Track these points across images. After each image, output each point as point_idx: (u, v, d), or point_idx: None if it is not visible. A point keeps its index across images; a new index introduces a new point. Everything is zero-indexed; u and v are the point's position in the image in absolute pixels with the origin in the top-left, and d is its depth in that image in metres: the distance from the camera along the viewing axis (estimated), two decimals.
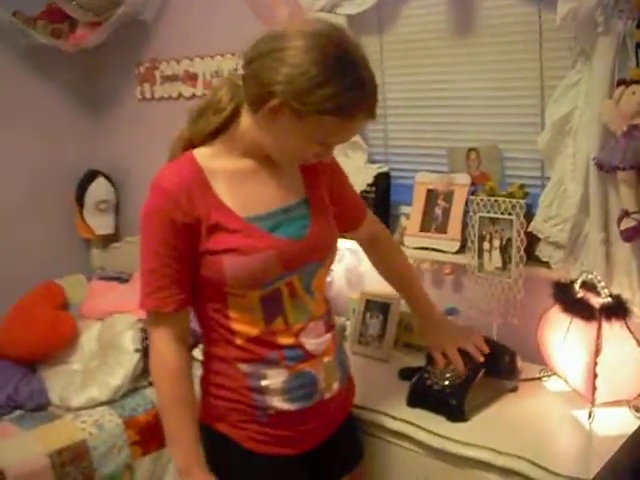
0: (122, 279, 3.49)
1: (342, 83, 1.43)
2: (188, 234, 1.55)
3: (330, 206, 1.78)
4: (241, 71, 1.55)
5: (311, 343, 1.66)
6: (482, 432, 1.85)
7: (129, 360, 2.83)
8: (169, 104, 3.55)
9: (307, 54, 1.42)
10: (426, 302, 2.05)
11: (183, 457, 1.60)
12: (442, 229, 2.46)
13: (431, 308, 2.05)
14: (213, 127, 1.63)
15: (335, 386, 1.73)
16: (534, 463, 1.69)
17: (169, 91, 3.52)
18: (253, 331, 1.62)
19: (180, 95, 3.47)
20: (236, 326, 1.62)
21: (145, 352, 2.85)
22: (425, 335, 2.08)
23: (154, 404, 2.77)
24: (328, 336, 1.71)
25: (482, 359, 1.94)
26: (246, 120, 1.58)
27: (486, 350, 1.95)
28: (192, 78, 3.38)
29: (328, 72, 1.42)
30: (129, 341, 2.89)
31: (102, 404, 2.74)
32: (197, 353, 1.96)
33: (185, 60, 3.40)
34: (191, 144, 1.65)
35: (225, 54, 3.19)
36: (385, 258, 2.05)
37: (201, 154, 1.61)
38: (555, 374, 2.11)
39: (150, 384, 2.85)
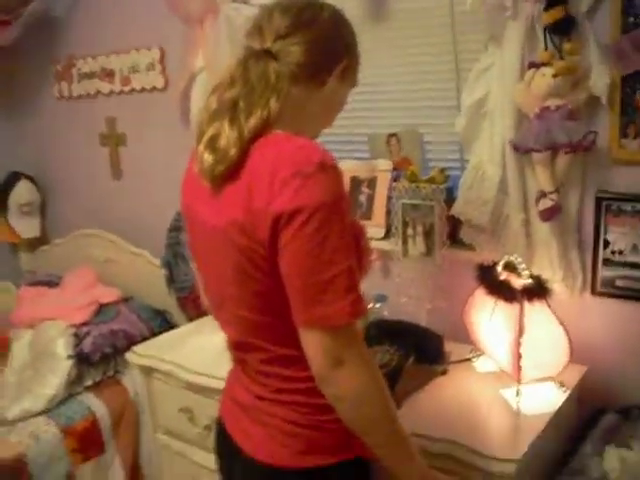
0: (52, 283, 3.43)
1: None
2: None
3: None
4: (275, 47, 1.37)
5: None
6: (415, 419, 1.86)
7: (63, 367, 2.77)
8: (87, 102, 3.50)
9: (339, 15, 1.47)
10: None
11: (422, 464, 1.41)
12: (367, 216, 2.48)
13: None
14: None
15: None
16: (468, 447, 1.72)
17: (87, 88, 3.46)
18: None
19: (98, 92, 3.41)
20: None
21: (78, 358, 2.81)
22: None
23: (91, 410, 2.75)
24: None
25: None
26: (299, 98, 1.39)
27: None
28: (109, 74, 3.32)
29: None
30: (61, 348, 2.83)
31: (38, 414, 2.70)
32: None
33: (101, 56, 3.34)
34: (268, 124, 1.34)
35: (140, 49, 3.14)
36: None
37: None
38: (484, 354, 2.15)
39: (86, 389, 2.83)
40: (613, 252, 2.05)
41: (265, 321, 1.36)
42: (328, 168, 1.23)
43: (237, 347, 1.48)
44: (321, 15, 1.41)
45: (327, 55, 1.41)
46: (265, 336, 1.38)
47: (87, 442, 2.70)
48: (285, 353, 1.37)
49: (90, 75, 3.41)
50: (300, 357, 1.29)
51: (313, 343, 1.24)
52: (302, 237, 1.20)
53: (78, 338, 2.88)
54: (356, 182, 2.53)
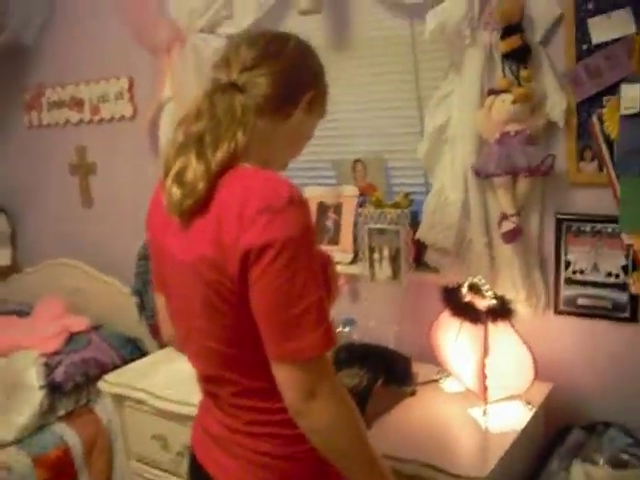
0: (23, 312, 3.42)
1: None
2: None
3: None
4: (241, 79, 1.37)
5: None
6: (384, 441, 1.87)
7: (35, 397, 2.76)
8: (57, 131, 3.51)
9: (305, 45, 1.47)
10: None
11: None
12: (334, 241, 2.52)
13: None
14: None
15: None
16: (438, 468, 1.75)
17: (56, 118, 3.47)
18: None
19: (67, 121, 3.43)
20: None
21: (50, 388, 2.80)
22: None
23: (63, 439, 2.74)
24: None
25: None
26: (265, 131, 1.39)
27: None
28: (78, 104, 3.34)
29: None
30: (33, 378, 2.82)
31: (9, 444, 2.68)
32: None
33: (70, 85, 3.36)
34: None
35: (110, 78, 3.17)
36: None
37: None
38: (451, 375, 2.18)
39: (58, 418, 2.82)
40: (574, 272, 2.11)
41: (234, 353, 1.36)
42: (296, 202, 1.24)
43: (207, 380, 1.47)
44: (287, 46, 1.42)
45: (294, 86, 1.41)
46: (235, 369, 1.38)
47: (59, 472, 2.69)
48: (257, 386, 1.37)
49: (59, 104, 3.43)
50: (272, 389, 1.28)
51: (285, 376, 1.25)
52: (272, 272, 1.20)
53: (49, 368, 2.87)
54: (323, 208, 2.57)
